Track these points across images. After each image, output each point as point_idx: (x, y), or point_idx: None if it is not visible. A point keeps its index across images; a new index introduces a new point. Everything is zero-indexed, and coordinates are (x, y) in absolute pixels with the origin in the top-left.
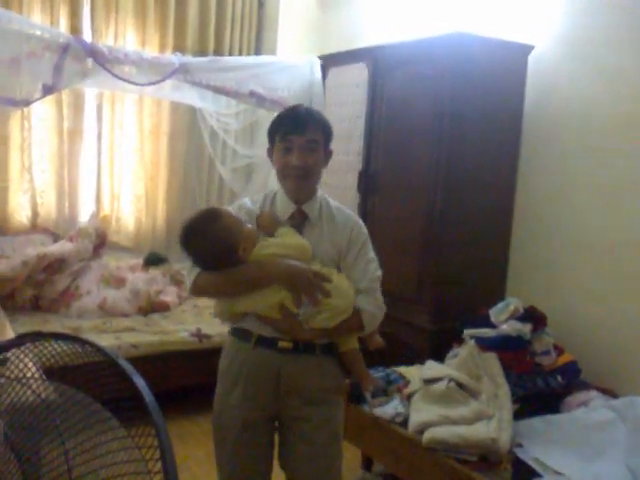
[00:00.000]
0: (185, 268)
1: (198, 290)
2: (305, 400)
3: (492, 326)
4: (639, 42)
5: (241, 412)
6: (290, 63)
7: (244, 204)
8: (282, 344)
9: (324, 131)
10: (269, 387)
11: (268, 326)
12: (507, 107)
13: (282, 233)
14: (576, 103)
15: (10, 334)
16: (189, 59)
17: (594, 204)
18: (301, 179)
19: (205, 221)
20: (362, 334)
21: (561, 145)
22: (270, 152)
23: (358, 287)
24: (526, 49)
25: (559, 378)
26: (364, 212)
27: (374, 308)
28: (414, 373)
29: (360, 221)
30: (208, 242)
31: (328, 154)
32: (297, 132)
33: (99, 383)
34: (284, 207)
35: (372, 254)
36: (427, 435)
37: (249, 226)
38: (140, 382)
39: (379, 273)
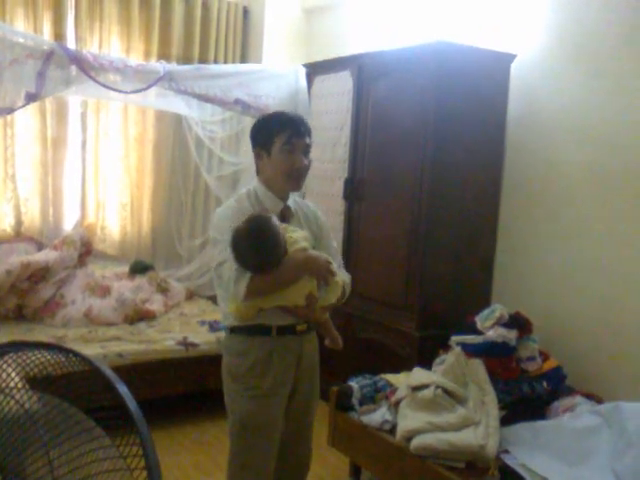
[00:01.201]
0: (225, 276)
1: (252, 293)
2: (312, 373)
3: (478, 332)
4: (621, 51)
5: (275, 398)
6: (275, 71)
7: (241, 208)
8: (300, 327)
9: (311, 136)
10: (293, 368)
11: (283, 315)
12: (490, 115)
13: (285, 228)
14: (558, 110)
15: None
16: (174, 67)
17: (578, 211)
18: (301, 179)
19: (267, 229)
20: (342, 302)
21: (544, 152)
22: (260, 154)
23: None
24: (509, 58)
25: (545, 384)
26: (350, 219)
27: (349, 280)
28: (401, 380)
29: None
30: (273, 248)
31: None
32: (300, 136)
33: (83, 392)
34: (273, 205)
35: None
36: (415, 442)
37: None
38: (124, 390)
39: None
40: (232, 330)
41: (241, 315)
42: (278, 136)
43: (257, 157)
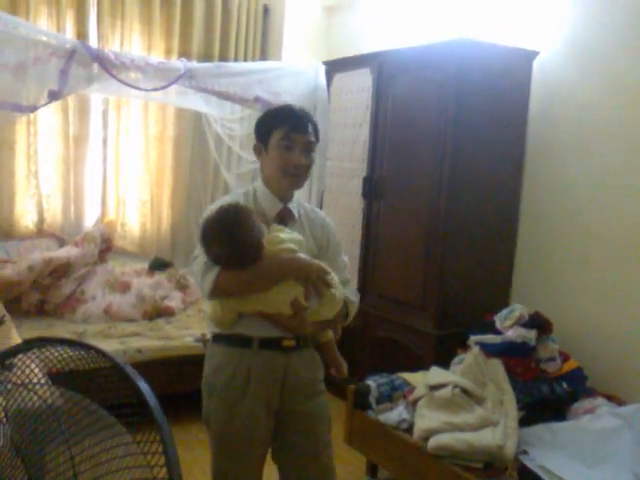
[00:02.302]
0: (195, 270)
1: (220, 290)
2: (308, 394)
3: (497, 332)
4: None
5: (252, 419)
6: (295, 69)
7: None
8: (286, 343)
9: (317, 134)
10: (276, 387)
11: (268, 326)
12: (512, 113)
13: (278, 230)
14: (581, 108)
15: (16, 339)
16: (194, 64)
17: (599, 211)
18: (300, 178)
19: (238, 219)
20: (345, 323)
21: (566, 151)
22: (259, 149)
23: (339, 278)
24: (531, 55)
25: (565, 385)
26: (368, 218)
27: (355, 298)
28: (419, 379)
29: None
30: (239, 239)
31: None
32: (300, 131)
33: (104, 389)
34: (271, 205)
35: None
36: (432, 442)
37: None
38: (144, 387)
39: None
40: (214, 339)
41: (218, 319)
42: (276, 130)
43: (257, 153)
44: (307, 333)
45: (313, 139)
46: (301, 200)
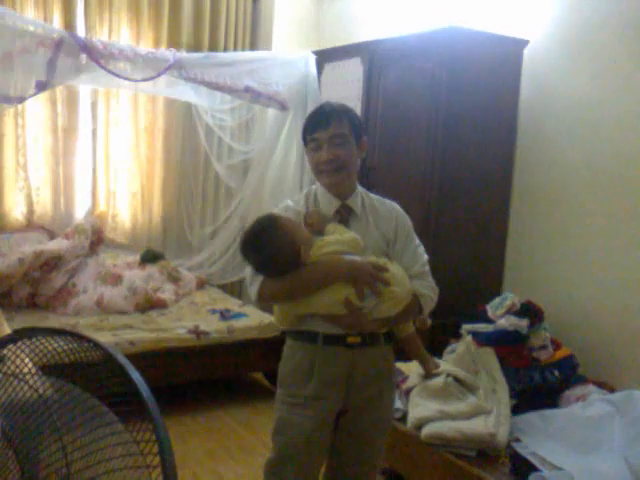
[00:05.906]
0: (246, 278)
1: (265, 298)
2: (373, 393)
3: (489, 321)
4: (634, 37)
5: (312, 410)
6: (285, 58)
7: (289, 206)
8: (351, 339)
9: (351, 122)
10: (341, 383)
11: (333, 324)
12: (502, 101)
13: (332, 230)
14: (571, 97)
15: (7, 331)
16: (184, 55)
17: (590, 198)
18: (334, 173)
19: (267, 228)
20: (420, 318)
21: (556, 139)
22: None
23: (410, 272)
24: (521, 43)
25: (556, 373)
26: None
27: (430, 291)
28: (412, 368)
29: (401, 210)
30: (273, 249)
31: (361, 145)
32: (322, 128)
33: (96, 379)
34: (328, 204)
35: (417, 240)
36: (426, 430)
37: (304, 228)
38: (136, 376)
39: (427, 257)
40: (287, 333)
41: (278, 320)
42: (306, 134)
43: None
44: (367, 330)
45: (342, 130)
46: (368, 193)
